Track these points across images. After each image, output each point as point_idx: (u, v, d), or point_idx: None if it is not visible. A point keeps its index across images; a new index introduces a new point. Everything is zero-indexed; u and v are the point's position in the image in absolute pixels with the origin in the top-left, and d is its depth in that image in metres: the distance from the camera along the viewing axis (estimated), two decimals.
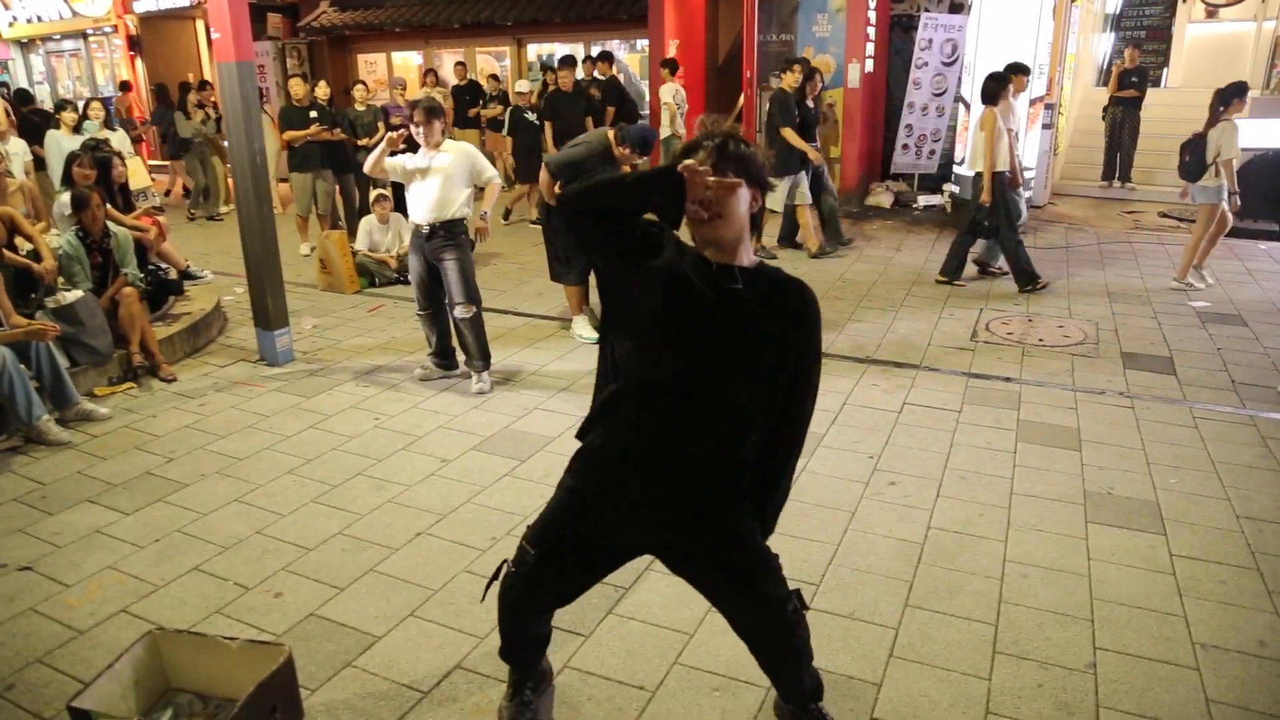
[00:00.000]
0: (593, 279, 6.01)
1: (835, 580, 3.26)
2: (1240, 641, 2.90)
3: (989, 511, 3.73)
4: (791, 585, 2.28)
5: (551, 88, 9.89)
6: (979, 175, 7.07)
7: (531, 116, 9.57)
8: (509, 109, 9.79)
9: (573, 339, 6.09)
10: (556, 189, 5.46)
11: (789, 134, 7.90)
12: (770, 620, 2.23)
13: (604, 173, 5.27)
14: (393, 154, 5.03)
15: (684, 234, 2.06)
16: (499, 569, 2.33)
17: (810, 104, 8.32)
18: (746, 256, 2.03)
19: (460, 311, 5.07)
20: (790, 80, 8.18)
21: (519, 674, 2.56)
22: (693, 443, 2.06)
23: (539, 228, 7.37)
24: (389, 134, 4.99)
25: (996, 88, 6.96)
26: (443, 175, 4.94)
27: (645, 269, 1.99)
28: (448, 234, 5.00)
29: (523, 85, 10.11)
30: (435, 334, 5.31)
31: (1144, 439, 4.42)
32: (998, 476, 4.05)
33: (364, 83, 9.91)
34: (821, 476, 4.03)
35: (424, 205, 4.98)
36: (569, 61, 9.57)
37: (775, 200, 8.08)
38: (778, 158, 7.88)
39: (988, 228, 7.19)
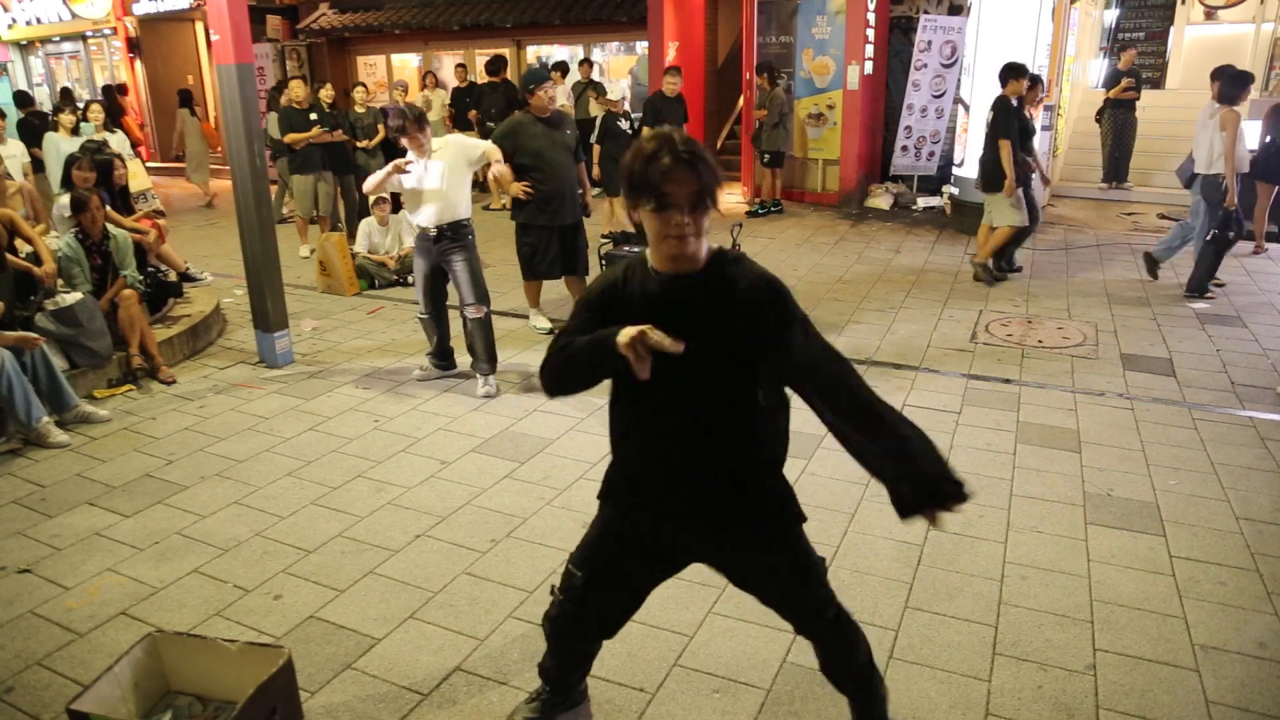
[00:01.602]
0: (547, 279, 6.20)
1: (835, 582, 3.21)
2: (1240, 643, 2.90)
3: (989, 513, 3.73)
4: None
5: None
6: (1212, 177, 6.83)
7: (624, 125, 9.00)
8: (602, 115, 9.08)
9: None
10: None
11: (1004, 149, 7.18)
12: (823, 627, 2.25)
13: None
14: (397, 145, 5.09)
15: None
16: (554, 597, 2.33)
17: (1030, 114, 7.59)
18: (693, 264, 1.99)
19: (471, 312, 5.08)
20: (1015, 88, 7.30)
21: (554, 694, 2.56)
22: (701, 448, 2.06)
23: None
24: (397, 161, 4.95)
25: (1236, 90, 6.79)
26: (443, 176, 4.93)
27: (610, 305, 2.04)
28: (455, 235, 5.02)
29: (615, 91, 9.46)
30: (436, 335, 5.32)
31: (1143, 440, 4.42)
32: (997, 478, 4.05)
33: (364, 85, 9.91)
34: (821, 478, 4.03)
35: (429, 209, 4.97)
36: (676, 70, 9.14)
37: (1003, 216, 7.37)
38: (991, 170, 7.35)
39: (1227, 230, 6.80)
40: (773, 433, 2.13)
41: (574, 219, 6.00)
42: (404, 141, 4.94)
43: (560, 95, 10.59)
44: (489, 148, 5.20)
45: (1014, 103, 7.27)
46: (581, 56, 12.93)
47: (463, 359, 5.37)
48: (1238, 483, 3.98)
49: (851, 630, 2.30)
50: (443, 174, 4.93)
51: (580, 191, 6.05)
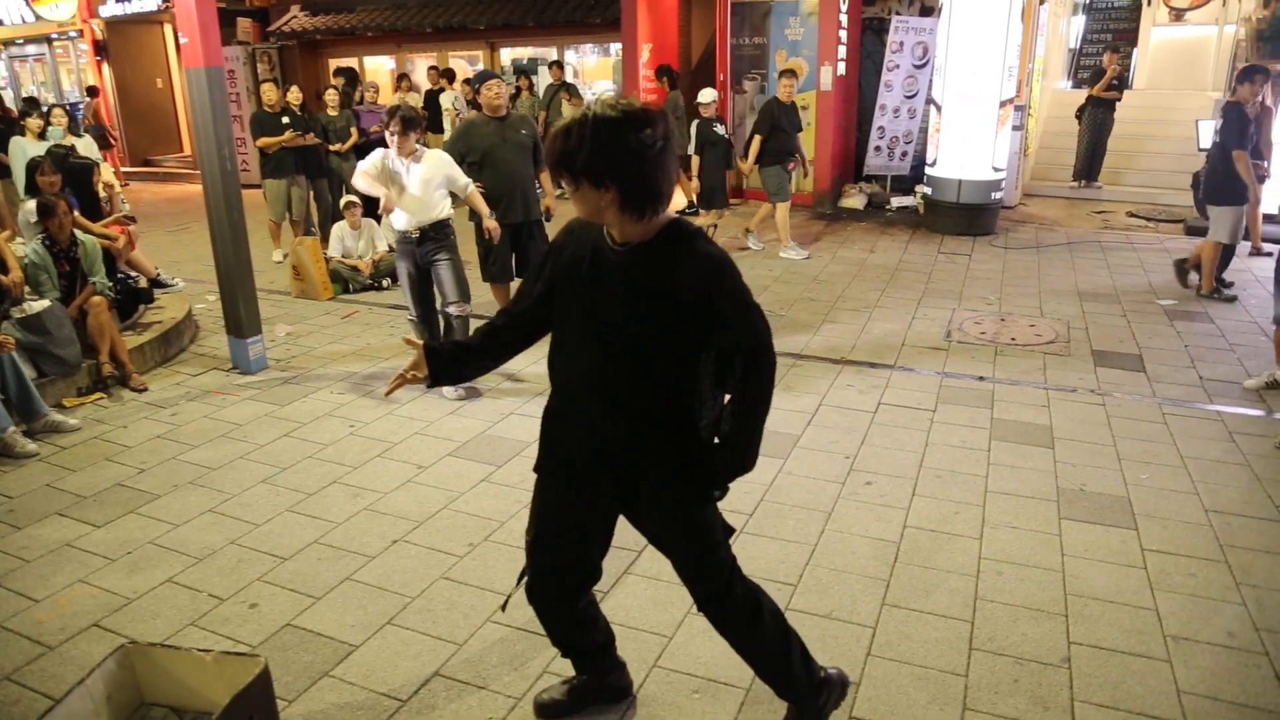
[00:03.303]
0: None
1: (813, 580, 3.27)
2: (1210, 633, 2.95)
3: (964, 509, 3.77)
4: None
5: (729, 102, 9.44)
6: None
7: (720, 130, 8.39)
8: (694, 122, 8.37)
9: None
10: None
11: (1240, 160, 6.48)
12: (716, 609, 2.32)
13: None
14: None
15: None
16: (520, 574, 2.43)
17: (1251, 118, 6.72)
18: (641, 235, 2.06)
19: (455, 310, 5.09)
20: (1248, 92, 6.56)
21: (589, 678, 2.61)
22: (606, 409, 2.16)
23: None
24: (387, 200, 4.99)
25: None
26: (421, 183, 4.95)
27: (564, 257, 2.19)
28: (437, 235, 5.03)
29: (706, 95, 8.44)
30: (427, 336, 5.29)
31: (1115, 435, 4.48)
32: (972, 475, 4.08)
33: (335, 87, 9.83)
34: (798, 477, 4.05)
35: (407, 212, 4.97)
36: (790, 73, 8.58)
37: (1219, 230, 6.78)
38: (1222, 183, 6.71)
39: None
40: (689, 398, 2.15)
41: (524, 218, 5.85)
42: (388, 136, 4.92)
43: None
44: (471, 190, 5.21)
45: (1246, 109, 6.53)
46: (553, 58, 12.92)
47: None
48: (1207, 476, 4.04)
49: (739, 614, 2.32)
50: (421, 178, 4.93)
51: (539, 192, 6.01)
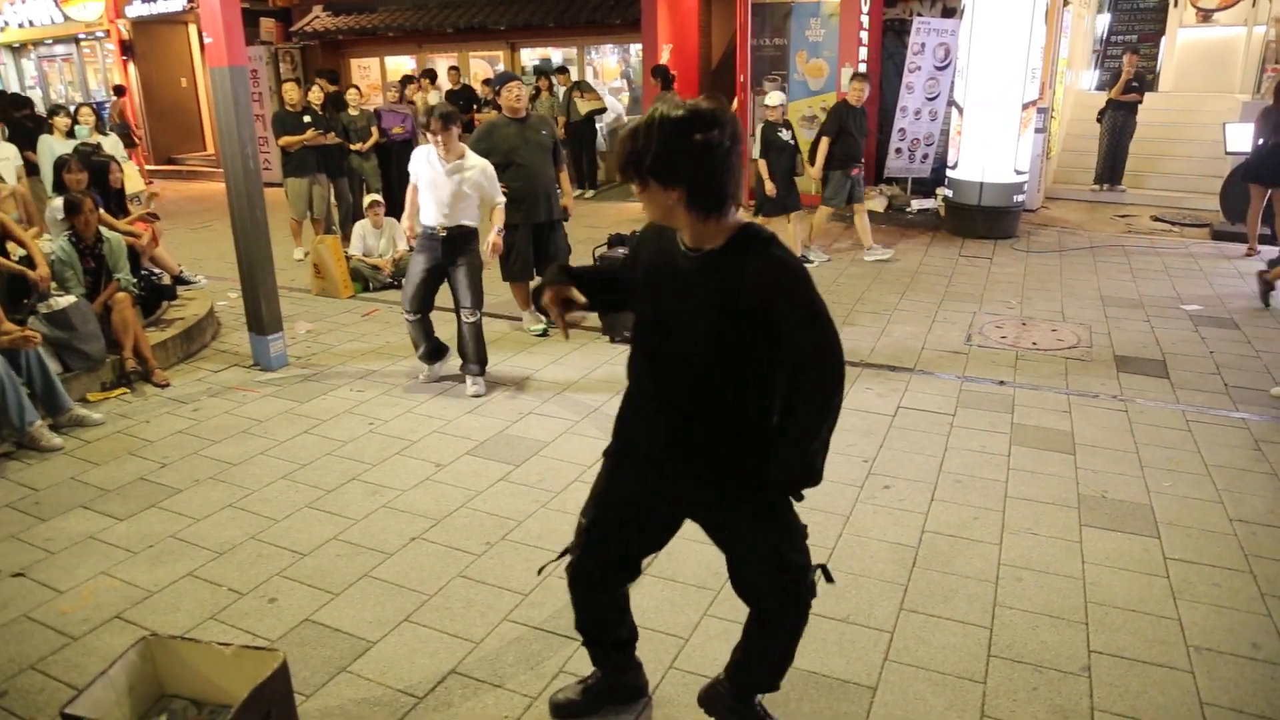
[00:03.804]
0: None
1: (830, 584, 3.25)
2: (1234, 644, 2.91)
3: (983, 515, 3.74)
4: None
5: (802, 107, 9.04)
6: None
7: (787, 135, 7.95)
8: (760, 126, 8.02)
9: (573, 341, 6.09)
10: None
11: None
12: (782, 598, 2.28)
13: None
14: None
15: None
16: (563, 551, 2.43)
17: None
18: (712, 241, 2.04)
19: (466, 316, 5.12)
20: None
21: (604, 676, 2.62)
22: (681, 409, 2.15)
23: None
24: (408, 230, 5.14)
25: None
26: (461, 184, 4.96)
27: (642, 257, 2.23)
28: (464, 239, 5.06)
29: (774, 98, 8.06)
30: (424, 337, 5.30)
31: (1137, 442, 4.43)
32: (992, 480, 4.05)
33: (357, 87, 9.90)
34: None
35: (440, 208, 4.98)
36: (863, 76, 8.26)
37: None
38: None
39: None
40: (759, 412, 2.13)
41: (548, 218, 6.00)
42: (431, 139, 4.91)
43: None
44: (499, 206, 5.21)
45: None
46: (558, 64, 12.94)
47: (456, 360, 5.36)
48: (1231, 484, 3.99)
49: (803, 603, 2.30)
50: (464, 180, 4.96)
51: (558, 191, 6.08)
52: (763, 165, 7.86)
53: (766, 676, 2.45)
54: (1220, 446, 4.38)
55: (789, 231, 8.23)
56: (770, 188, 7.82)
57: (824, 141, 8.04)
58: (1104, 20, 14.72)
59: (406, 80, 12.33)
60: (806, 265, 7.77)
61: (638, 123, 2.01)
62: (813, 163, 8.19)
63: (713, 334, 2.04)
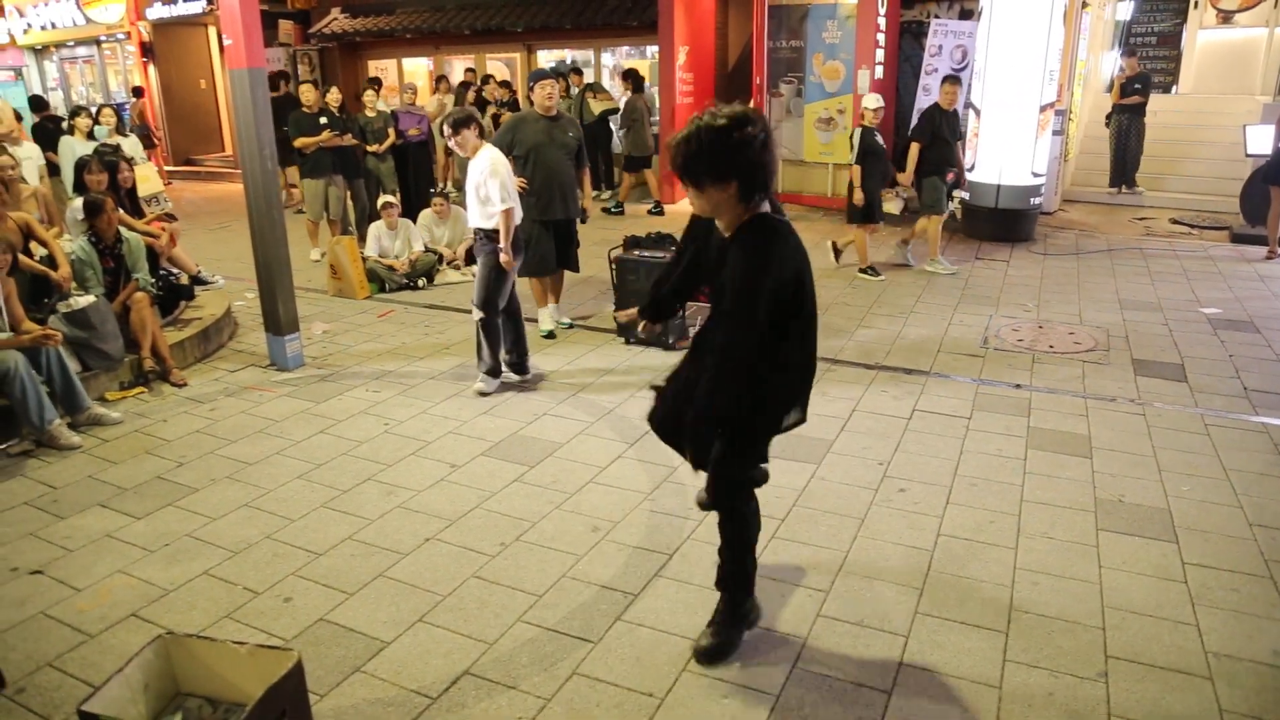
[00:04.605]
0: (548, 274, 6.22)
1: (845, 587, 3.25)
2: (1254, 651, 2.88)
3: (999, 519, 3.72)
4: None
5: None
6: None
7: (881, 139, 7.69)
8: (858, 130, 7.60)
9: (588, 342, 6.09)
10: None
11: None
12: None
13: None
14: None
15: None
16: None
17: None
18: (731, 228, 2.52)
19: (474, 314, 5.15)
20: None
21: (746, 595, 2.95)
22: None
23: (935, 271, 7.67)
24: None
25: None
26: (472, 184, 5.08)
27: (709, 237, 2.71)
28: (486, 239, 5.13)
29: (873, 100, 7.71)
30: (508, 339, 5.32)
31: (1155, 446, 4.39)
32: (1008, 483, 4.03)
33: (373, 88, 9.91)
34: (831, 483, 4.02)
35: (471, 210, 5.20)
36: (955, 79, 7.93)
37: None
38: None
39: None
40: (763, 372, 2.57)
41: (564, 215, 6.03)
42: (451, 144, 5.15)
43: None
44: (500, 213, 5.01)
45: None
46: (571, 64, 12.98)
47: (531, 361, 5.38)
48: (1251, 489, 3.95)
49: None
50: (472, 179, 5.06)
51: (579, 193, 6.12)
52: (857, 171, 7.49)
53: (727, 573, 2.89)
54: (1239, 451, 4.33)
55: (930, 233, 7.92)
56: (860, 196, 7.52)
57: (914, 147, 7.79)
58: (1126, 10, 14.52)
59: (440, 80, 12.62)
60: (938, 274, 7.75)
61: (685, 133, 2.38)
62: (902, 169, 7.96)
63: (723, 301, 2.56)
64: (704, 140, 2.33)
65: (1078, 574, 3.31)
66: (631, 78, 11.36)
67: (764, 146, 2.35)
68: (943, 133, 7.76)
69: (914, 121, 9.17)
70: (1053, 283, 7.56)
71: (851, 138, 7.62)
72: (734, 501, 2.78)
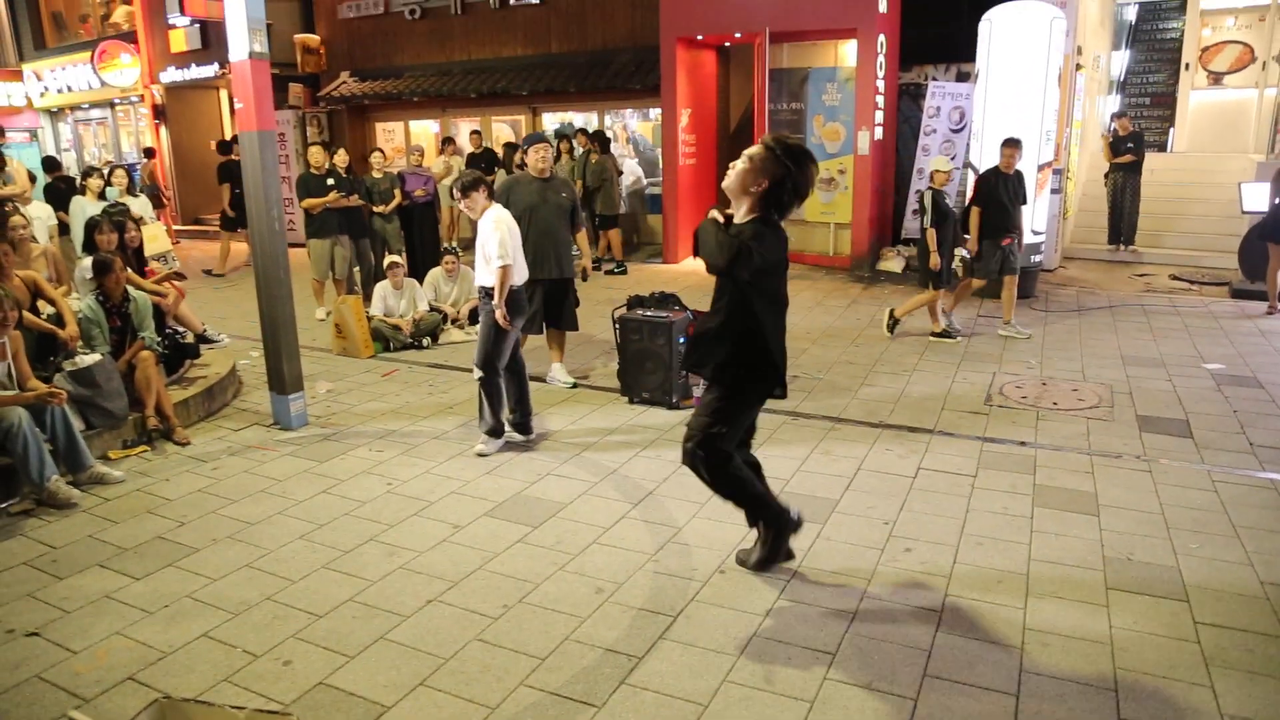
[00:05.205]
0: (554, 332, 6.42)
1: (851, 649, 3.20)
2: (1270, 713, 2.82)
3: (1007, 578, 3.68)
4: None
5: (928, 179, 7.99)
6: None
7: (951, 201, 7.58)
8: (927, 191, 7.47)
9: (592, 402, 6.09)
10: None
11: None
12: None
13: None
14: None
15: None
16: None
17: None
18: (739, 215, 3.42)
19: (474, 372, 5.19)
20: None
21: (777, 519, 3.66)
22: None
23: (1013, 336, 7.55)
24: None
25: None
26: (479, 242, 5.16)
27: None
28: (487, 297, 5.17)
29: (941, 162, 7.56)
30: (512, 398, 5.34)
31: (1163, 503, 4.36)
32: (1015, 542, 3.99)
33: (381, 150, 10.11)
34: (836, 543, 3.99)
35: (476, 267, 5.28)
36: (1015, 142, 7.69)
37: None
38: None
39: None
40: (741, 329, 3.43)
41: (558, 275, 6.18)
42: (462, 208, 5.29)
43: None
44: (497, 269, 5.02)
45: None
46: (578, 126, 13.22)
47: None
48: (1261, 546, 3.91)
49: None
50: (479, 238, 5.15)
51: (576, 253, 6.25)
52: (932, 235, 7.35)
53: (745, 512, 3.70)
54: (1247, 507, 4.30)
55: (933, 305, 7.69)
56: (935, 260, 7.38)
57: (975, 211, 7.64)
58: (1117, 79, 14.87)
59: (447, 142, 12.98)
60: (947, 340, 7.58)
61: (785, 135, 3.40)
62: (967, 231, 7.70)
63: None
64: (781, 142, 3.31)
65: (1088, 634, 3.26)
66: (597, 139, 11.66)
67: (795, 183, 3.31)
68: (1000, 197, 7.58)
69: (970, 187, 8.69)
70: (1055, 339, 7.58)
71: (923, 200, 7.51)
72: (711, 459, 3.46)
